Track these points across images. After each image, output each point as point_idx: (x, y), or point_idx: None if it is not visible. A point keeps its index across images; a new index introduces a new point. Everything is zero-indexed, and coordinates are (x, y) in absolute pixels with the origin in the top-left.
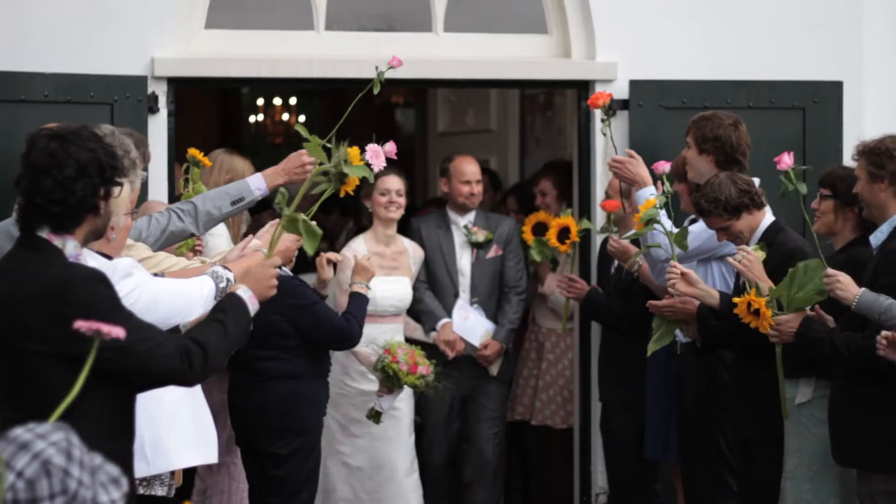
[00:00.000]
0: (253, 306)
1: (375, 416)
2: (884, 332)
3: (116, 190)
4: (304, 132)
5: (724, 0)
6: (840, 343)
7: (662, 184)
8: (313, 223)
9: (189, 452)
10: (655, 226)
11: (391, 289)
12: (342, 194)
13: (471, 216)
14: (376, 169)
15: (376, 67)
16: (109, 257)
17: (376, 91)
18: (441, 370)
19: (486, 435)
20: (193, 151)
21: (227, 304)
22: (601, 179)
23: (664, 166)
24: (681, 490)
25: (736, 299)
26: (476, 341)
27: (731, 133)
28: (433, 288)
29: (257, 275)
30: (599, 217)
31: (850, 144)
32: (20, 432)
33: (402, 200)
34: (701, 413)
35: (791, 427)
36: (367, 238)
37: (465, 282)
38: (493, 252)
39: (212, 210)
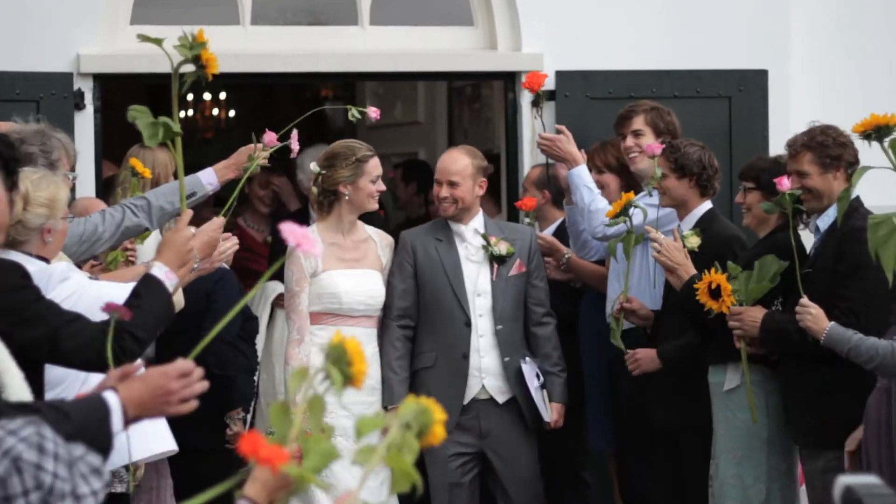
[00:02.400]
0: (170, 280)
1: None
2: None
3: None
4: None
5: None
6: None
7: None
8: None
9: (152, 442)
10: (634, 209)
11: (358, 283)
12: (210, 78)
13: (478, 223)
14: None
15: (349, 108)
16: (47, 260)
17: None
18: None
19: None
20: (134, 162)
21: (140, 285)
22: (529, 171)
23: (657, 149)
24: (616, 479)
25: (697, 284)
26: (547, 414)
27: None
28: (435, 321)
29: (170, 244)
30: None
31: (776, 133)
32: None
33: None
34: (635, 401)
35: (718, 413)
36: (320, 228)
37: (484, 305)
38: (515, 269)
39: (164, 205)
